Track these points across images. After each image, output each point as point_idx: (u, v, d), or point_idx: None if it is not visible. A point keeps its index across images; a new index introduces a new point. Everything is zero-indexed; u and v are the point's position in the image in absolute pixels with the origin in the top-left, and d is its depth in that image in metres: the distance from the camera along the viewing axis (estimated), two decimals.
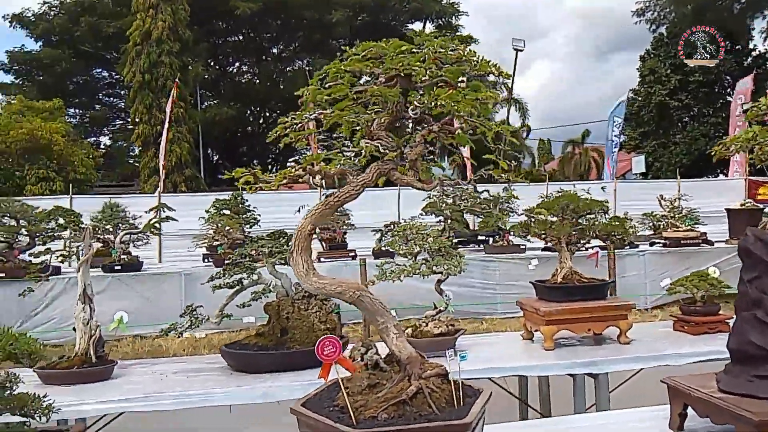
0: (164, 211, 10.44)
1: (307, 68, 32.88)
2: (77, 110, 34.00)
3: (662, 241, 11.00)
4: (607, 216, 3.99)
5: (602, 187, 13.23)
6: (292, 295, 3.52)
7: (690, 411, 2.24)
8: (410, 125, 2.05)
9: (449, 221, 11.15)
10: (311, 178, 1.89)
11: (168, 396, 3.06)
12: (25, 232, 8.61)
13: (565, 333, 3.73)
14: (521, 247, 10.39)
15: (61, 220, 6.46)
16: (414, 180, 1.93)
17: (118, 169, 32.78)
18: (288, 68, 35.34)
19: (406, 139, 1.92)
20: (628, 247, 10.75)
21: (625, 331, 3.67)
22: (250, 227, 10.51)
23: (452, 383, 1.86)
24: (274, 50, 35.64)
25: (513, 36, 29.34)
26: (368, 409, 1.77)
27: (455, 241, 10.78)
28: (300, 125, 1.80)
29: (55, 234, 8.50)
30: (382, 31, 33.97)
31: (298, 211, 8.94)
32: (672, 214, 11.67)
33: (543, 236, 3.87)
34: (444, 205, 11.10)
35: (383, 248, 10.20)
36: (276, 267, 3.59)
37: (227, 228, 10.36)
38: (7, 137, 19.86)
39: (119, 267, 9.57)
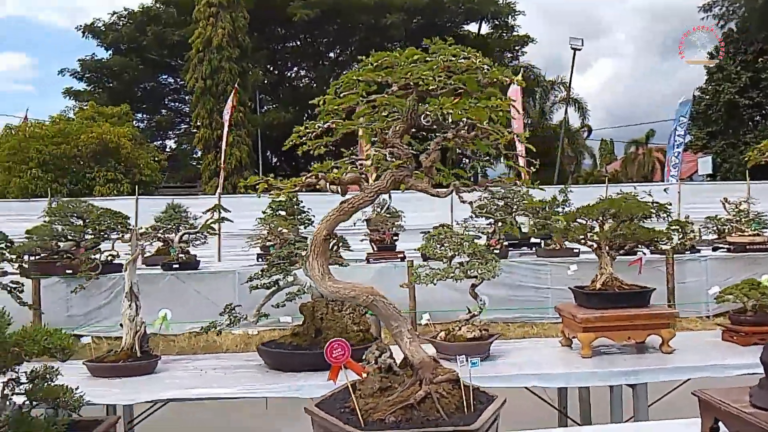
0: (220, 212, 10.83)
1: None
2: (144, 115, 35.50)
3: (726, 246, 10.50)
4: (667, 218, 3.88)
5: (665, 189, 12.76)
6: (327, 295, 3.57)
7: (722, 425, 2.16)
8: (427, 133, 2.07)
9: (500, 224, 11.00)
10: (327, 184, 1.93)
11: (205, 390, 3.18)
12: (91, 231, 9.10)
13: (606, 341, 3.64)
14: (575, 250, 10.15)
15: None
16: (428, 187, 1.95)
17: (181, 171, 34.02)
18: (345, 72, 35.72)
19: (421, 147, 1.93)
20: (689, 252, 10.33)
21: (668, 340, 3.55)
22: (305, 228, 10.74)
23: (463, 389, 1.86)
24: (331, 54, 36.13)
25: (573, 35, 28.66)
26: (377, 411, 1.80)
27: (506, 243, 10.66)
28: (314, 133, 1.85)
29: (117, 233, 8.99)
30: (437, 33, 33.87)
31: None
32: (737, 218, 11.15)
33: (582, 241, 3.79)
34: (495, 207, 10.96)
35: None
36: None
37: (279, 229, 10.60)
38: (78, 141, 20.95)
39: (177, 265, 9.93)
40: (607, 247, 3.69)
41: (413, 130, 1.99)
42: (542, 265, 10.26)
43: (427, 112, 1.75)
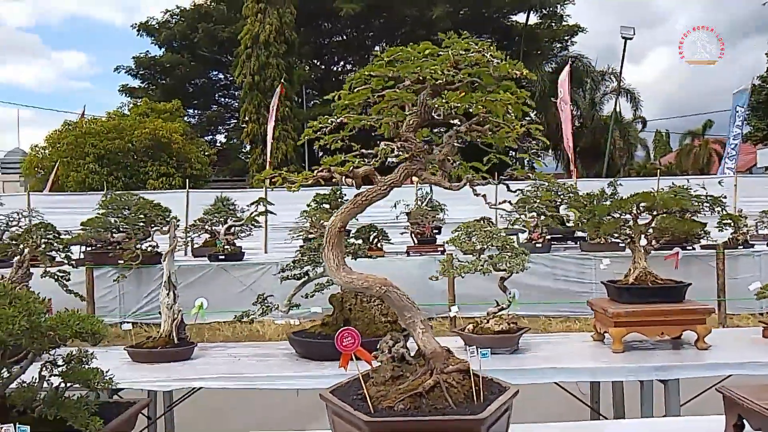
0: (265, 206, 11.08)
1: None
2: (195, 111, 36.46)
3: None
4: (721, 212, 3.79)
5: (719, 182, 12.31)
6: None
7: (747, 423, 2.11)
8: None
9: (543, 217, 10.84)
10: (343, 178, 1.97)
11: (237, 376, 3.30)
12: (142, 224, 9.48)
13: (641, 337, 3.58)
14: (620, 244, 9.92)
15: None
16: (442, 180, 1.97)
17: (230, 165, 34.84)
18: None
19: (434, 141, 1.95)
20: (741, 247, 9.96)
21: (703, 336, 3.46)
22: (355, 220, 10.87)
23: (473, 379, 1.88)
24: (377, 48, 36.21)
25: (626, 23, 27.76)
26: (387, 399, 1.84)
27: (549, 237, 10.52)
28: (328, 128, 1.89)
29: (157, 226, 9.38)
30: (484, 24, 33.50)
31: (394, 206, 9.07)
32: None
33: (615, 235, 3.72)
34: (538, 200, 10.80)
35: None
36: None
37: (321, 221, 10.77)
38: (132, 136, 21.73)
39: (223, 257, 10.22)
40: (642, 241, 3.61)
41: (428, 125, 2.00)
42: (586, 259, 10.07)
43: (437, 106, 1.76)
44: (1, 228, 10.62)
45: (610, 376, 3.34)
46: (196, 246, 11.49)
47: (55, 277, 3.76)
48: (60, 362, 2.18)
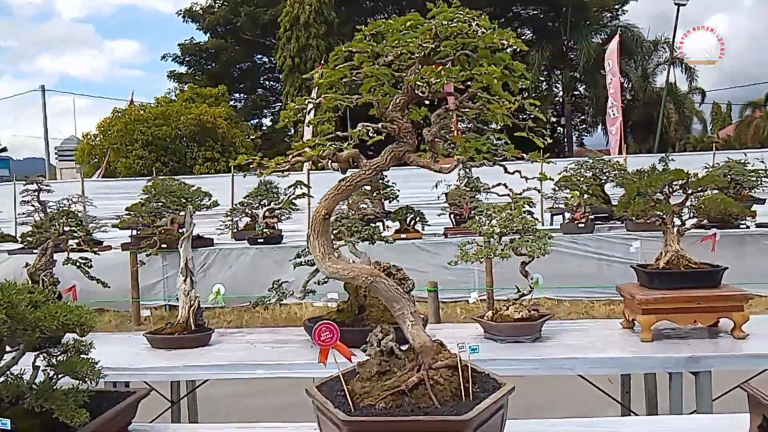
0: (302, 188, 11.10)
1: None
2: (241, 95, 36.93)
3: None
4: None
5: None
6: None
7: None
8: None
9: (585, 196, 10.46)
10: (329, 162, 1.87)
11: (250, 364, 3.27)
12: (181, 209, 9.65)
13: (674, 324, 3.37)
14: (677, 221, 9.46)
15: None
16: (430, 162, 1.84)
17: (276, 148, 35.21)
18: None
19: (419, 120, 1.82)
20: None
21: (740, 324, 3.22)
22: (390, 202, 10.82)
23: (461, 375, 1.76)
24: None
25: None
26: (370, 396, 1.74)
27: (592, 217, 10.15)
28: (308, 109, 1.79)
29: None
30: None
31: (435, 186, 8.90)
32: None
33: (644, 216, 3.49)
34: (581, 179, 10.42)
35: None
36: (356, 246, 3.64)
37: (359, 204, 10.73)
38: (178, 122, 22.18)
39: (261, 240, 10.32)
40: (674, 222, 3.38)
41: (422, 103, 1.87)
42: (632, 239, 9.68)
43: (418, 83, 1.63)
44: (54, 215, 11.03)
45: (635, 367, 3.15)
46: (237, 229, 11.65)
47: (77, 264, 3.81)
48: (57, 352, 2.19)
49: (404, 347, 1.95)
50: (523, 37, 36.96)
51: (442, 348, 1.88)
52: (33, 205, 11.28)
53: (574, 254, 9.81)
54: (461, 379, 1.75)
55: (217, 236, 11.00)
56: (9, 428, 1.80)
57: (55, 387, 2.01)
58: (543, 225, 12.87)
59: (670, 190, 3.40)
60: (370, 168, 1.82)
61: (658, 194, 3.39)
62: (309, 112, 1.89)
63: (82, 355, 2.23)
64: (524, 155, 1.81)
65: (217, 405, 5.03)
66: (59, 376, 2.05)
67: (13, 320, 1.86)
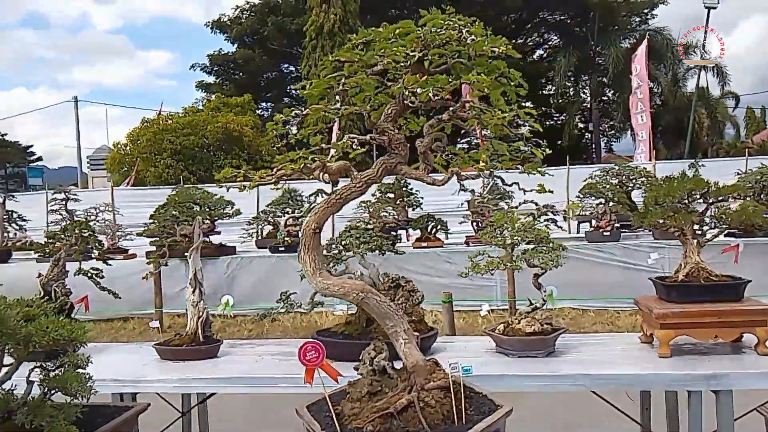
0: (322, 196, 11.09)
1: None
2: (268, 104, 37.26)
3: None
4: None
5: None
6: (379, 285, 3.49)
7: None
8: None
9: (611, 204, 10.23)
10: (321, 174, 1.82)
11: (255, 377, 3.23)
12: (207, 217, 9.76)
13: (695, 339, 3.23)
14: (697, 232, 9.17)
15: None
16: (423, 174, 1.78)
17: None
18: None
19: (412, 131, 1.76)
20: None
21: (764, 340, 3.06)
22: (413, 210, 10.75)
23: (454, 396, 1.69)
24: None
25: None
26: (359, 419, 1.68)
27: (618, 225, 9.92)
28: (298, 120, 1.74)
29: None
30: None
31: (457, 193, 8.74)
32: None
33: (664, 226, 3.36)
34: (607, 186, 10.19)
35: None
36: (365, 257, 3.58)
37: (381, 213, 10.69)
38: (205, 131, 22.47)
39: (283, 248, 10.35)
40: (691, 234, 3.24)
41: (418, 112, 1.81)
42: (659, 247, 9.43)
43: (405, 93, 1.56)
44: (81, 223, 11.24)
45: (650, 384, 3.02)
46: (260, 237, 11.71)
47: (89, 274, 3.83)
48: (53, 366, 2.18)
49: (398, 365, 1.89)
50: (550, 43, 36.63)
51: (437, 367, 1.81)
52: (61, 214, 11.53)
53: (599, 263, 9.60)
54: (453, 401, 1.67)
55: (240, 244, 11.06)
56: None
57: (47, 402, 1.99)
58: (569, 233, 12.67)
59: (690, 199, 3.27)
60: (361, 180, 1.77)
61: (677, 204, 3.25)
62: (287, 123, 1.83)
63: (78, 369, 2.21)
64: (519, 166, 1.73)
65: (228, 415, 5.00)
66: (52, 391, 2.04)
67: (2, 335, 1.85)
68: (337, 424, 1.65)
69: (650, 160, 17.59)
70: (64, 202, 11.31)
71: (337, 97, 1.77)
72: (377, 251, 3.76)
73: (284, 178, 1.72)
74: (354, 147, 1.64)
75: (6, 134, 41.87)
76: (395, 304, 3.36)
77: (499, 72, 1.69)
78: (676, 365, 3.02)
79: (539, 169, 1.76)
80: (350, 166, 1.78)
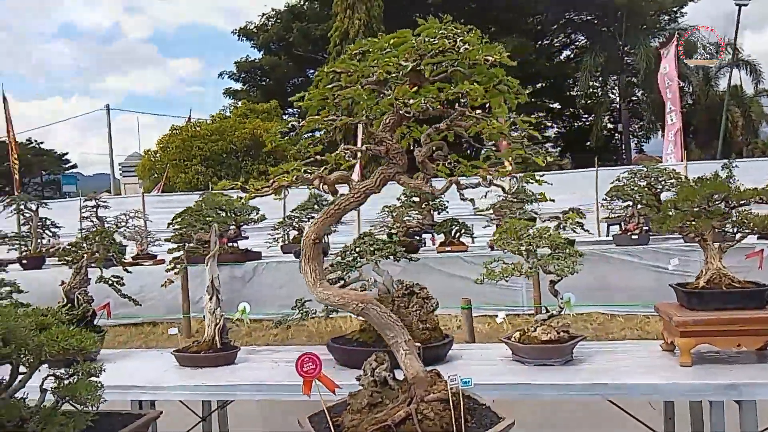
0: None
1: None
2: (295, 109, 37.58)
3: None
4: None
5: None
6: (393, 292, 3.48)
7: None
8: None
9: (639, 206, 10.03)
10: (321, 184, 1.83)
11: (270, 384, 3.24)
12: (233, 223, 9.90)
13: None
14: (728, 234, 8.93)
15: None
16: (421, 183, 1.76)
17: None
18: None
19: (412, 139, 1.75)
20: None
21: None
22: (438, 213, 10.71)
23: (453, 409, 1.67)
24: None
25: None
26: (358, 430, 1.67)
27: (646, 228, 9.72)
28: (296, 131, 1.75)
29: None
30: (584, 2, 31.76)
31: (485, 196, 8.70)
32: None
33: (683, 231, 3.28)
34: (635, 188, 10.00)
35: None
36: (379, 264, 3.58)
37: (404, 217, 10.67)
38: (233, 137, 22.77)
39: None
40: (711, 239, 3.16)
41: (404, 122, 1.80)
42: (690, 251, 9.20)
43: (397, 103, 1.56)
44: (112, 229, 11.51)
45: (668, 394, 2.95)
46: (285, 243, 11.81)
47: (109, 282, 3.90)
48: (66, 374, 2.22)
49: (401, 376, 1.87)
50: (577, 43, 36.15)
51: (438, 379, 1.79)
52: (92, 221, 11.80)
53: (627, 267, 9.40)
54: (453, 413, 1.65)
55: (266, 249, 11.15)
56: None
57: (58, 411, 2.03)
58: (598, 236, 12.45)
59: (710, 203, 3.18)
60: (360, 191, 1.77)
61: (696, 208, 3.17)
62: (287, 133, 1.84)
63: (91, 378, 2.25)
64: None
65: (248, 420, 5.04)
66: (64, 399, 2.08)
67: (13, 345, 1.89)
68: None
69: (681, 160, 17.22)
70: (94, 209, 11.58)
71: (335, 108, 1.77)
72: (391, 258, 3.75)
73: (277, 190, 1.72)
74: (347, 158, 1.64)
75: (42, 142, 43.01)
76: (408, 311, 3.36)
77: (497, 80, 1.67)
78: (697, 374, 2.94)
79: (538, 178, 1.73)
80: (349, 176, 1.77)
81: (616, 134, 36.34)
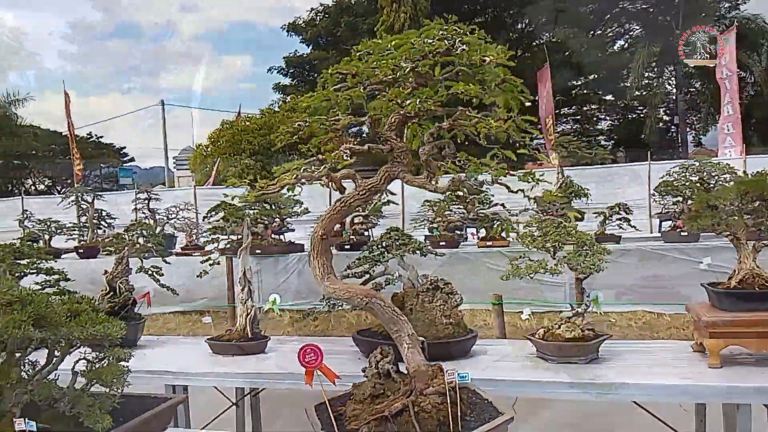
0: (386, 196, 11.23)
1: (552, 41, 31.54)
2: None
3: None
4: None
5: None
6: (418, 287, 3.51)
7: None
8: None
9: (689, 202, 9.69)
10: (330, 182, 1.88)
11: (295, 374, 3.33)
12: (277, 216, 10.15)
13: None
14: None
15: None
16: (425, 182, 1.80)
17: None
18: (534, 44, 34.31)
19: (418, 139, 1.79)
20: None
21: None
22: (483, 207, 10.66)
23: (449, 402, 1.70)
24: (519, 26, 34.87)
25: None
26: (357, 420, 1.73)
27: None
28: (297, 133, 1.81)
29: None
30: None
31: (530, 190, 8.65)
32: None
33: (715, 230, 3.19)
34: (686, 183, 9.68)
35: (606, 232, 9.49)
36: (404, 258, 3.62)
37: (445, 212, 10.66)
38: (280, 131, 23.19)
39: (348, 246, 10.54)
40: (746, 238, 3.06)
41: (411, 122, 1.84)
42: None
43: (400, 104, 1.59)
44: (163, 220, 11.97)
45: (692, 396, 2.87)
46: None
47: (149, 272, 4.08)
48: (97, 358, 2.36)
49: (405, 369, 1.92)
50: (631, 33, 35.02)
51: (440, 373, 1.83)
52: (144, 212, 12.28)
53: (675, 264, 9.13)
54: (449, 406, 1.68)
55: (307, 241, 11.33)
56: (35, 430, 1.96)
57: (87, 392, 2.17)
58: (650, 232, 12.10)
59: (744, 201, 3.08)
60: (365, 189, 1.81)
61: (730, 206, 3.08)
62: (295, 134, 1.90)
63: (120, 362, 2.38)
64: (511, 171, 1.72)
65: (280, 405, 5.16)
66: (92, 382, 2.21)
67: (45, 331, 2.03)
68: (335, 425, 1.70)
69: (741, 154, 16.52)
70: (146, 201, 12.04)
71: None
72: (417, 253, 3.78)
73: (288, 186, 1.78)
74: (345, 158, 1.69)
75: (102, 137, 44.73)
76: (432, 306, 3.39)
77: (500, 79, 1.68)
78: (724, 376, 2.87)
79: (537, 178, 1.73)
80: (355, 174, 1.82)
81: (672, 127, 35.09)
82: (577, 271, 3.31)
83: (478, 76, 1.69)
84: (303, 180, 1.75)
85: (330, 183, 1.85)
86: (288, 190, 1.85)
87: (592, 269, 3.23)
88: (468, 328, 3.53)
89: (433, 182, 1.79)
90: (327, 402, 1.79)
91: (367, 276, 3.68)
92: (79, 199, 11.65)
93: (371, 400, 1.81)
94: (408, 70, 1.60)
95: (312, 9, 33.48)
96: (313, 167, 1.77)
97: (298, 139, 1.87)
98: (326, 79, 1.81)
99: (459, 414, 1.68)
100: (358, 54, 1.78)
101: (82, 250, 10.78)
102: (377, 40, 1.74)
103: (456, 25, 1.70)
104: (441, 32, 1.62)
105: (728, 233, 3.12)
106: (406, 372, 1.89)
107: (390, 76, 1.62)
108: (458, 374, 1.76)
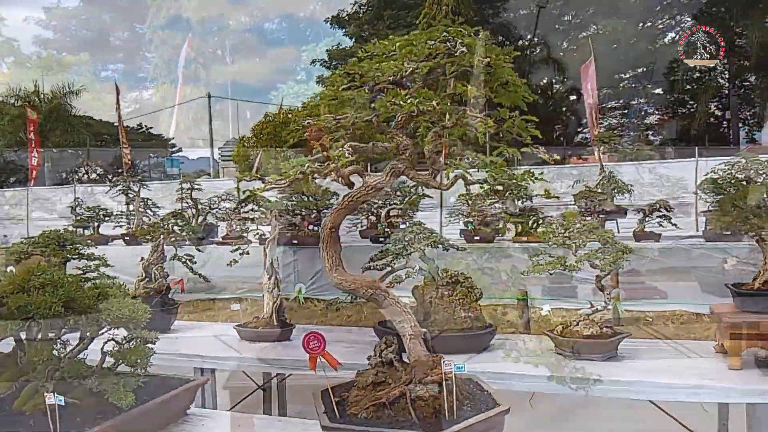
0: (423, 189, 11.26)
1: (599, 32, 30.82)
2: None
3: None
4: None
5: None
6: (439, 281, 3.57)
7: None
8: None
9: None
10: (340, 178, 1.96)
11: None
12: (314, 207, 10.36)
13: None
14: None
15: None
16: (429, 179, 1.86)
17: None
18: (582, 34, 33.60)
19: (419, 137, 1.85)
20: None
21: None
22: (522, 202, 10.60)
23: (446, 393, 1.76)
24: (566, 18, 34.18)
25: None
26: (357, 406, 1.81)
27: None
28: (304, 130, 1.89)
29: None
30: None
31: (572, 186, 8.60)
32: None
33: (739, 230, 3.13)
34: (731, 181, 9.34)
35: (646, 230, 9.30)
36: (426, 252, 3.67)
37: (479, 205, 10.63)
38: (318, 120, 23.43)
39: (383, 238, 10.62)
40: None
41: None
42: None
43: (398, 105, 1.66)
44: (205, 211, 12.32)
45: (708, 396, 2.84)
46: (362, 228, 12.09)
47: (183, 260, 4.26)
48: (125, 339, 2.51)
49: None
50: (683, 25, 33.88)
51: (440, 363, 1.89)
52: (187, 202, 12.66)
53: (715, 263, 8.88)
54: (446, 395, 1.75)
55: (345, 234, 11.48)
56: (63, 404, 2.11)
57: (113, 371, 2.32)
58: (696, 230, 11.79)
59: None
60: (371, 185, 1.88)
61: (755, 206, 3.02)
62: (307, 128, 1.98)
63: (148, 344, 2.53)
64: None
65: (306, 389, 5.30)
66: (119, 362, 2.36)
67: (74, 312, 2.18)
68: (336, 409, 1.79)
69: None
70: (189, 191, 12.41)
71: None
72: (438, 247, 3.83)
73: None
74: (347, 155, 1.76)
75: (151, 127, 46.02)
76: (452, 300, 3.44)
77: (503, 80, 1.73)
78: (743, 378, 2.84)
79: (537, 177, 1.76)
80: (362, 170, 1.90)
81: (724, 122, 33.84)
82: (597, 269, 3.31)
83: (482, 77, 1.74)
84: (314, 175, 1.83)
85: (339, 178, 1.92)
86: (302, 184, 1.94)
87: (612, 267, 3.22)
88: (487, 322, 3.57)
89: (437, 179, 1.84)
90: (329, 388, 1.88)
91: (388, 269, 3.75)
92: (127, 188, 12.10)
93: (373, 387, 1.88)
94: (409, 71, 1.66)
95: (356, 2, 33.60)
96: (318, 164, 1.85)
97: (308, 136, 1.95)
98: (335, 79, 1.89)
99: (455, 403, 1.74)
100: (362, 56, 1.85)
101: (128, 238, 11.20)
102: (383, 41, 1.81)
103: (461, 26, 1.74)
104: (443, 34, 1.67)
105: (753, 233, 3.07)
106: (408, 362, 1.96)
107: (392, 77, 1.68)
108: (455, 365, 1.82)
